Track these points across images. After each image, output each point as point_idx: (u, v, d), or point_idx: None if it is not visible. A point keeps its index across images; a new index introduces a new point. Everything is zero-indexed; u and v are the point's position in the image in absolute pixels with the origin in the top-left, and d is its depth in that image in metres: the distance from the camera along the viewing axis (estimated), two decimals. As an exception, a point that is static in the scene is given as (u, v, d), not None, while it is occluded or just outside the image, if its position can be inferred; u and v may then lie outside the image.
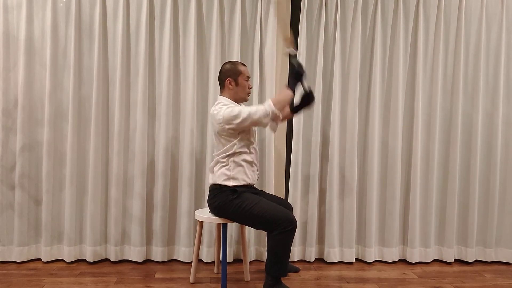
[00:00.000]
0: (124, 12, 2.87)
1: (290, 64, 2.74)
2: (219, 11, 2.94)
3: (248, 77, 2.49)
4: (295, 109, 2.55)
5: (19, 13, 2.83)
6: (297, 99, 2.54)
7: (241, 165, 2.40)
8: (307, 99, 2.48)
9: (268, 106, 2.29)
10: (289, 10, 3.07)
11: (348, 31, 3.06)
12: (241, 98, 2.49)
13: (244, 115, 2.29)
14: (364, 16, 3.07)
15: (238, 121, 2.30)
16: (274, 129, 2.68)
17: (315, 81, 3.03)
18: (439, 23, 3.07)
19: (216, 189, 2.41)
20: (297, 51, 2.50)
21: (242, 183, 2.40)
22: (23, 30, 2.80)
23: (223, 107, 2.36)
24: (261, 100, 3.01)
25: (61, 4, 2.86)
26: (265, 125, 2.36)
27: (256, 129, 2.59)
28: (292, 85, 2.40)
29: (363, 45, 3.09)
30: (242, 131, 2.38)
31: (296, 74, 2.41)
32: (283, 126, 3.10)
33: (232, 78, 2.45)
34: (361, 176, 3.13)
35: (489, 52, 3.15)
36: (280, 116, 2.44)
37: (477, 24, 3.12)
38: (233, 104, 2.42)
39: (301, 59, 2.98)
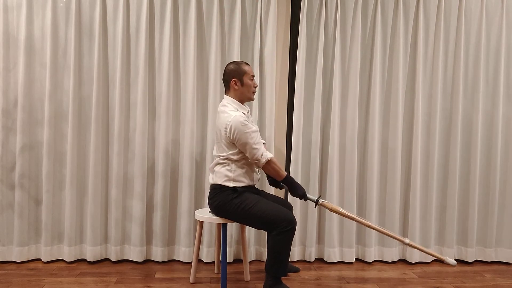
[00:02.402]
0: (124, 12, 2.87)
1: (294, 58, 2.94)
2: (219, 11, 2.94)
3: (253, 76, 2.49)
4: (271, 182, 2.56)
5: (19, 13, 2.83)
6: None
7: (242, 167, 2.41)
8: (276, 184, 2.53)
9: (265, 158, 2.34)
10: (289, 10, 3.07)
11: (348, 31, 3.06)
12: (247, 97, 2.48)
13: (249, 139, 2.31)
14: (364, 16, 3.07)
15: (242, 139, 2.31)
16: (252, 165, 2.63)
17: (315, 81, 3.03)
18: (439, 23, 3.07)
19: (217, 188, 2.41)
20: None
21: (243, 184, 2.40)
22: (23, 30, 2.80)
23: (235, 112, 2.35)
24: (261, 100, 3.01)
25: (61, 4, 2.86)
26: (249, 158, 2.38)
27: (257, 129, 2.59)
28: (291, 184, 2.44)
29: (363, 45, 3.09)
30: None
31: (300, 196, 2.45)
32: (283, 126, 3.10)
33: (237, 78, 2.44)
34: (361, 176, 3.13)
35: (489, 52, 3.15)
36: (258, 172, 2.52)
37: (477, 24, 3.12)
38: (241, 109, 2.41)
39: (301, 59, 2.99)
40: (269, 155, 2.36)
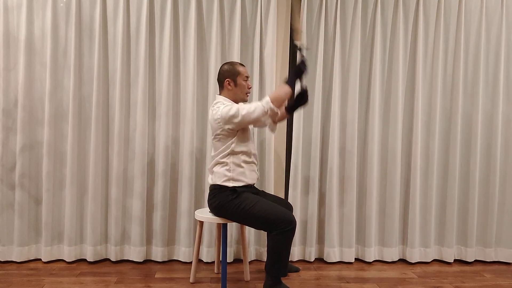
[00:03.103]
0: (124, 12, 2.87)
1: (294, 58, 2.72)
2: (219, 11, 2.94)
3: (247, 77, 2.49)
4: (290, 109, 2.52)
5: (19, 13, 2.83)
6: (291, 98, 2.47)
7: (241, 166, 2.41)
8: (302, 98, 2.44)
9: (266, 103, 2.28)
10: (289, 10, 3.07)
11: (348, 31, 3.06)
12: (240, 98, 2.49)
13: (242, 112, 2.28)
14: (364, 16, 3.07)
15: (236, 120, 2.30)
16: (273, 130, 2.65)
17: (315, 81, 3.03)
18: (439, 23, 3.07)
19: (216, 189, 2.41)
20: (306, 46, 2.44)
21: (242, 183, 2.40)
22: (23, 30, 2.80)
23: (221, 106, 2.36)
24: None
25: (61, 4, 2.86)
26: (263, 123, 2.35)
27: (255, 129, 2.58)
28: (291, 81, 2.37)
29: (363, 45, 3.09)
30: (240, 130, 2.38)
31: (298, 70, 2.38)
32: (283, 126, 3.10)
33: (231, 79, 2.45)
34: (361, 176, 3.13)
35: (489, 52, 3.15)
36: (279, 113, 2.39)
37: (477, 24, 3.12)
38: (231, 103, 2.42)
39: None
40: (265, 98, 2.30)
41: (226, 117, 2.31)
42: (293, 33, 2.46)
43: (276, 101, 2.30)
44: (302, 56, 2.41)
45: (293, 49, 3.08)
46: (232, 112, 2.30)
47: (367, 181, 3.09)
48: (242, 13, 2.98)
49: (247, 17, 3.01)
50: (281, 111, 2.51)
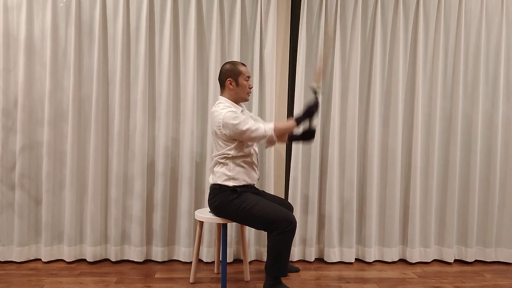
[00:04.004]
0: (124, 12, 2.87)
1: (294, 58, 2.75)
2: (219, 11, 2.94)
3: (248, 77, 2.49)
4: (292, 138, 2.50)
5: (19, 13, 2.83)
6: (298, 130, 2.46)
7: (241, 166, 2.41)
8: (309, 136, 2.44)
9: (269, 129, 2.30)
10: (289, 10, 3.07)
11: (348, 31, 3.06)
12: (241, 98, 2.48)
13: (244, 127, 2.29)
14: (364, 16, 3.07)
15: (237, 131, 2.30)
16: (267, 147, 2.69)
17: (315, 81, 3.03)
18: (439, 23, 3.07)
19: (216, 188, 2.41)
20: (318, 87, 2.43)
21: (242, 183, 2.40)
22: (23, 30, 2.80)
23: (225, 109, 2.35)
24: (261, 100, 3.01)
25: (61, 4, 2.86)
26: (258, 142, 2.35)
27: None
28: (300, 119, 2.37)
29: (363, 45, 3.09)
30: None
31: (310, 111, 2.38)
32: (283, 126, 3.10)
33: (233, 79, 2.45)
34: (361, 176, 3.13)
35: (489, 52, 3.15)
36: (276, 143, 2.42)
37: (477, 24, 3.12)
38: (235, 108, 2.42)
39: (301, 59, 2.99)
40: (270, 124, 2.32)
41: (228, 123, 2.30)
42: (318, 74, 2.44)
43: (279, 133, 2.32)
44: (316, 98, 2.41)
45: (294, 49, 3.08)
46: (236, 121, 2.29)
47: (367, 181, 3.09)
48: (242, 13, 2.97)
49: (247, 17, 3.01)
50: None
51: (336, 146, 3.03)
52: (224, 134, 2.34)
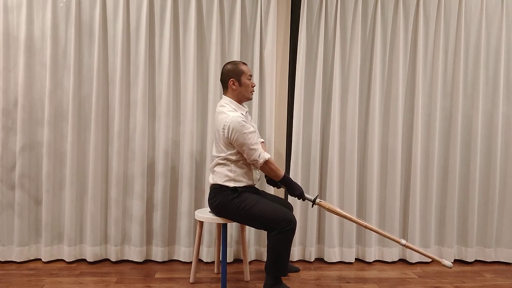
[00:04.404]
0: (124, 12, 2.87)
1: (294, 58, 3.00)
2: (219, 11, 2.94)
3: (251, 76, 2.50)
4: (269, 181, 2.54)
5: (19, 13, 2.83)
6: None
7: (242, 168, 2.41)
8: (274, 184, 2.51)
9: (262, 159, 2.33)
10: (289, 10, 3.07)
11: (348, 31, 3.06)
12: (245, 97, 2.48)
13: (247, 140, 2.30)
14: (364, 16, 3.07)
15: (239, 139, 2.30)
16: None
17: (315, 81, 3.03)
18: (439, 23, 3.07)
19: (217, 188, 2.41)
20: None
21: (243, 184, 2.40)
22: (23, 30, 2.80)
23: (233, 112, 2.34)
24: (261, 100, 3.01)
25: (61, 4, 2.86)
26: (246, 157, 2.36)
27: (256, 129, 2.59)
28: (286, 183, 2.43)
29: (363, 45, 3.09)
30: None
31: (291, 191, 2.44)
32: (283, 126, 3.10)
33: (235, 79, 2.44)
34: (361, 176, 3.13)
35: (489, 52, 3.15)
36: (258, 171, 2.49)
37: (477, 24, 3.12)
38: (240, 110, 2.41)
39: (301, 59, 2.99)
40: (266, 155, 2.35)
41: (235, 128, 2.29)
42: (327, 208, 2.50)
43: (267, 169, 2.37)
44: (306, 198, 2.47)
45: (294, 49, 3.08)
46: (244, 130, 2.29)
47: (367, 180, 3.09)
48: (242, 13, 2.97)
49: (247, 17, 3.01)
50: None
51: (336, 146, 3.03)
52: (226, 137, 2.33)
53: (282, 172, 2.42)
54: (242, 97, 2.47)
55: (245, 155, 2.35)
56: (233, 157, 2.38)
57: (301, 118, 3.02)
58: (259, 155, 2.33)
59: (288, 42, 3.09)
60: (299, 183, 3.01)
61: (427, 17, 3.09)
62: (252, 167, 2.46)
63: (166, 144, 2.93)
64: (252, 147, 2.32)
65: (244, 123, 2.31)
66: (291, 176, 3.01)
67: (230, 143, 2.36)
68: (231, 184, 2.38)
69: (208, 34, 2.97)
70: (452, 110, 3.12)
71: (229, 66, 2.48)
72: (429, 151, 3.11)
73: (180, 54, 2.96)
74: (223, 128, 2.33)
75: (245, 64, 2.50)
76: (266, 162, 2.35)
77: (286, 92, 3.09)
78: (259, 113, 3.00)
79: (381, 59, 3.08)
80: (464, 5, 3.07)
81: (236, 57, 2.92)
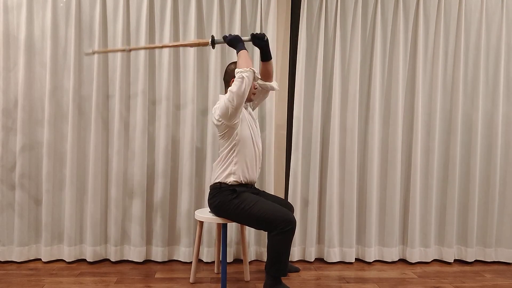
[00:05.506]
0: (124, 12, 2.87)
1: (294, 58, 2.97)
2: (219, 11, 2.94)
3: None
4: (262, 57, 2.50)
5: (19, 13, 2.83)
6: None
7: (242, 162, 2.42)
8: (257, 41, 2.43)
9: (238, 75, 2.26)
10: (289, 10, 3.07)
11: (348, 31, 3.06)
12: (247, 97, 2.48)
13: (229, 97, 2.27)
14: (364, 16, 3.07)
15: (231, 106, 2.27)
16: (271, 88, 2.60)
17: (315, 82, 3.03)
18: (439, 23, 3.07)
19: (216, 188, 2.42)
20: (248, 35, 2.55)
21: (241, 179, 2.41)
22: (23, 30, 2.80)
23: (217, 106, 2.40)
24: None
25: (61, 4, 2.86)
26: (248, 91, 2.30)
27: (256, 128, 2.58)
28: (239, 48, 2.38)
29: (363, 45, 3.09)
30: (239, 125, 2.38)
31: (229, 44, 2.43)
32: (283, 126, 3.10)
33: None
34: (361, 176, 3.13)
35: (489, 52, 3.15)
36: (256, 71, 2.36)
37: (477, 24, 3.12)
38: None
39: (301, 59, 2.99)
40: (236, 77, 2.28)
41: (223, 113, 2.30)
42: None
43: (242, 66, 2.29)
44: (220, 40, 2.49)
45: (294, 49, 3.08)
46: (222, 104, 2.31)
47: (367, 181, 3.09)
48: (242, 13, 2.97)
49: (247, 17, 3.01)
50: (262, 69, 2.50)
51: (336, 146, 3.03)
52: (217, 119, 2.35)
53: (240, 54, 2.35)
54: None
55: (246, 96, 2.29)
56: (232, 151, 2.40)
57: (301, 118, 3.02)
58: (237, 80, 2.26)
59: (288, 42, 3.09)
60: (299, 183, 3.03)
61: (427, 17, 3.09)
62: (254, 163, 2.46)
63: (166, 144, 2.93)
64: (233, 90, 2.26)
65: (219, 104, 2.35)
66: (291, 175, 3.02)
67: (224, 132, 2.38)
68: (230, 179, 2.39)
69: (208, 34, 2.97)
70: (452, 110, 3.12)
71: (232, 66, 2.49)
72: (429, 151, 3.11)
73: (180, 54, 2.96)
74: (220, 121, 2.36)
75: None
76: (239, 70, 2.28)
77: (286, 92, 3.10)
78: (259, 113, 3.00)
79: (381, 59, 3.08)
80: (464, 5, 3.07)
81: (236, 57, 2.92)
